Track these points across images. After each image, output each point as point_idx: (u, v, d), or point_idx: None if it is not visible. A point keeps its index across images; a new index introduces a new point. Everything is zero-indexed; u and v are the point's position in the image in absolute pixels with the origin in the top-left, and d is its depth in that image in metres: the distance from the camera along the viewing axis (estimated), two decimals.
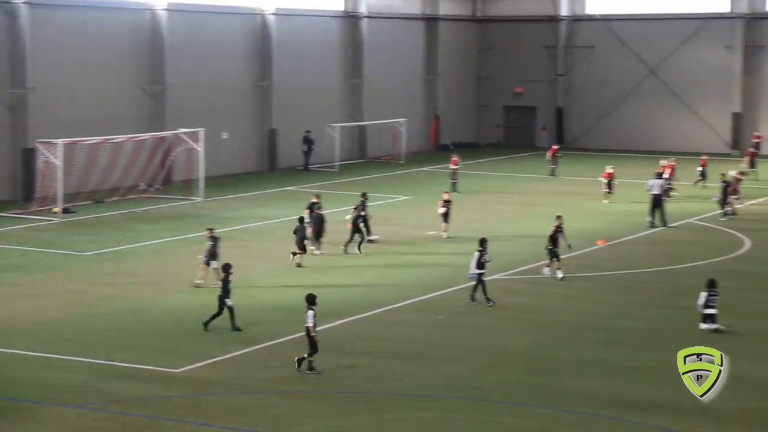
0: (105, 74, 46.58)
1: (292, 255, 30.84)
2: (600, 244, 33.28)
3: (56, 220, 38.58)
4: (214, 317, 23.74)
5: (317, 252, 32.26)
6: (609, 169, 43.06)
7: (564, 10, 65.11)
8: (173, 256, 32.64)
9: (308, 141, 54.81)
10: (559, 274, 28.28)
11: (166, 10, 48.48)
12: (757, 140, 56.43)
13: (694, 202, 41.66)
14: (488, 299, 25.76)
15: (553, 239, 28.44)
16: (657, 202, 37.28)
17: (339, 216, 35.34)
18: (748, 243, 34.30)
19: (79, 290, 28.00)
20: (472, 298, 25.98)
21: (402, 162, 57.35)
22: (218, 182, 47.83)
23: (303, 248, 30.96)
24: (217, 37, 51.74)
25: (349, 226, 32.98)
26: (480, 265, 25.87)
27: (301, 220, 31.69)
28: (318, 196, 34.51)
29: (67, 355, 21.94)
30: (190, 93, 49.63)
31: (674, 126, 62.10)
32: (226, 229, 36.21)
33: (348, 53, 58.89)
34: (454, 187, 44.12)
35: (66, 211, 39.54)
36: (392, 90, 61.35)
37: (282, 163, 54.65)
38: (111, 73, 46.89)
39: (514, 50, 66.57)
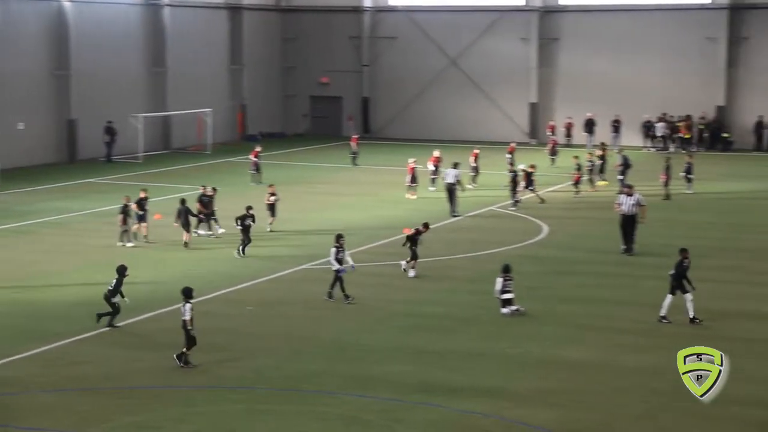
0: None
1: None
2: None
3: None
4: (111, 315, 23.19)
5: (202, 233, 33.46)
6: (412, 163, 42.97)
7: (367, 1, 65.74)
8: None
9: (110, 131, 53.61)
10: (411, 273, 28.39)
11: None
12: (551, 130, 58.51)
13: (495, 190, 42.82)
14: (346, 296, 25.72)
15: (413, 240, 28.60)
16: (450, 191, 38.36)
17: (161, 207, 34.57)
18: (546, 229, 35.62)
19: None
20: (330, 296, 25.87)
21: (209, 152, 56.78)
22: (14, 174, 46.21)
23: (189, 230, 32.14)
24: (10, 25, 49.83)
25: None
26: (338, 261, 25.77)
27: (183, 201, 32.44)
28: (145, 190, 33.69)
29: None
30: None
31: (476, 115, 63.57)
32: (22, 224, 35.00)
33: (150, 42, 57.80)
34: (253, 179, 44.67)
35: None
36: (197, 80, 60.63)
37: (83, 154, 53.22)
38: None
39: (320, 40, 66.85)
